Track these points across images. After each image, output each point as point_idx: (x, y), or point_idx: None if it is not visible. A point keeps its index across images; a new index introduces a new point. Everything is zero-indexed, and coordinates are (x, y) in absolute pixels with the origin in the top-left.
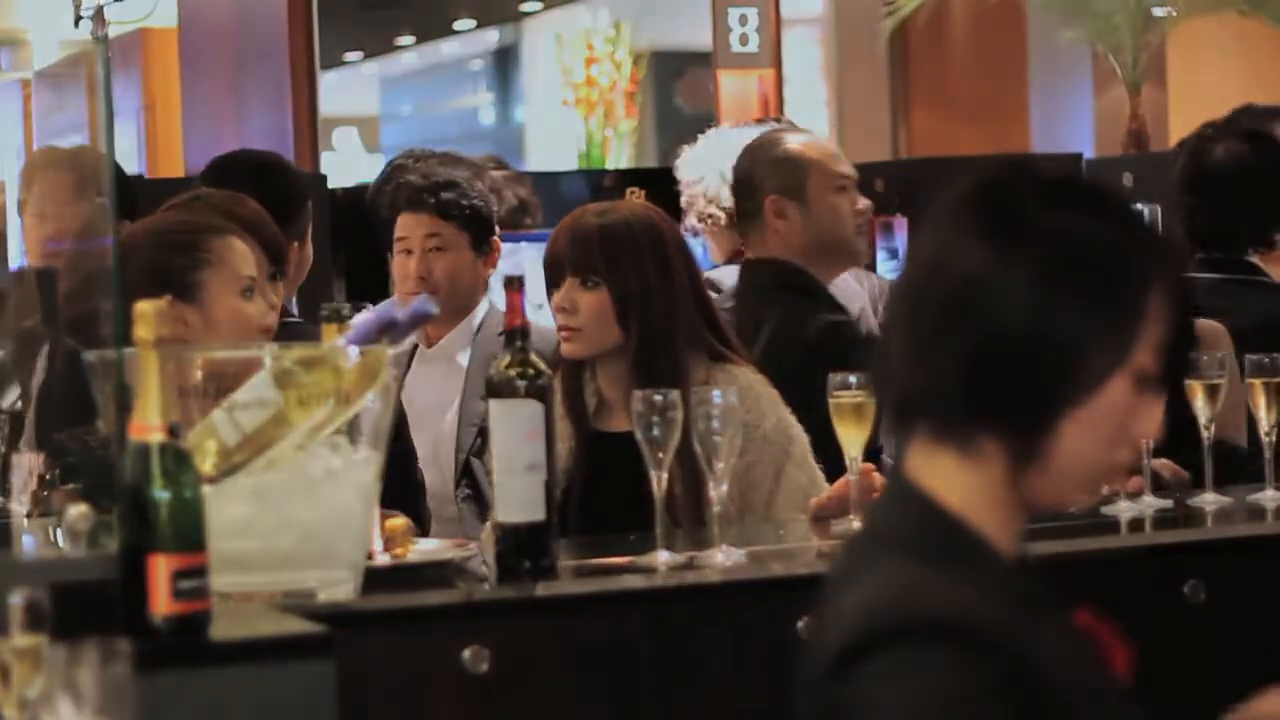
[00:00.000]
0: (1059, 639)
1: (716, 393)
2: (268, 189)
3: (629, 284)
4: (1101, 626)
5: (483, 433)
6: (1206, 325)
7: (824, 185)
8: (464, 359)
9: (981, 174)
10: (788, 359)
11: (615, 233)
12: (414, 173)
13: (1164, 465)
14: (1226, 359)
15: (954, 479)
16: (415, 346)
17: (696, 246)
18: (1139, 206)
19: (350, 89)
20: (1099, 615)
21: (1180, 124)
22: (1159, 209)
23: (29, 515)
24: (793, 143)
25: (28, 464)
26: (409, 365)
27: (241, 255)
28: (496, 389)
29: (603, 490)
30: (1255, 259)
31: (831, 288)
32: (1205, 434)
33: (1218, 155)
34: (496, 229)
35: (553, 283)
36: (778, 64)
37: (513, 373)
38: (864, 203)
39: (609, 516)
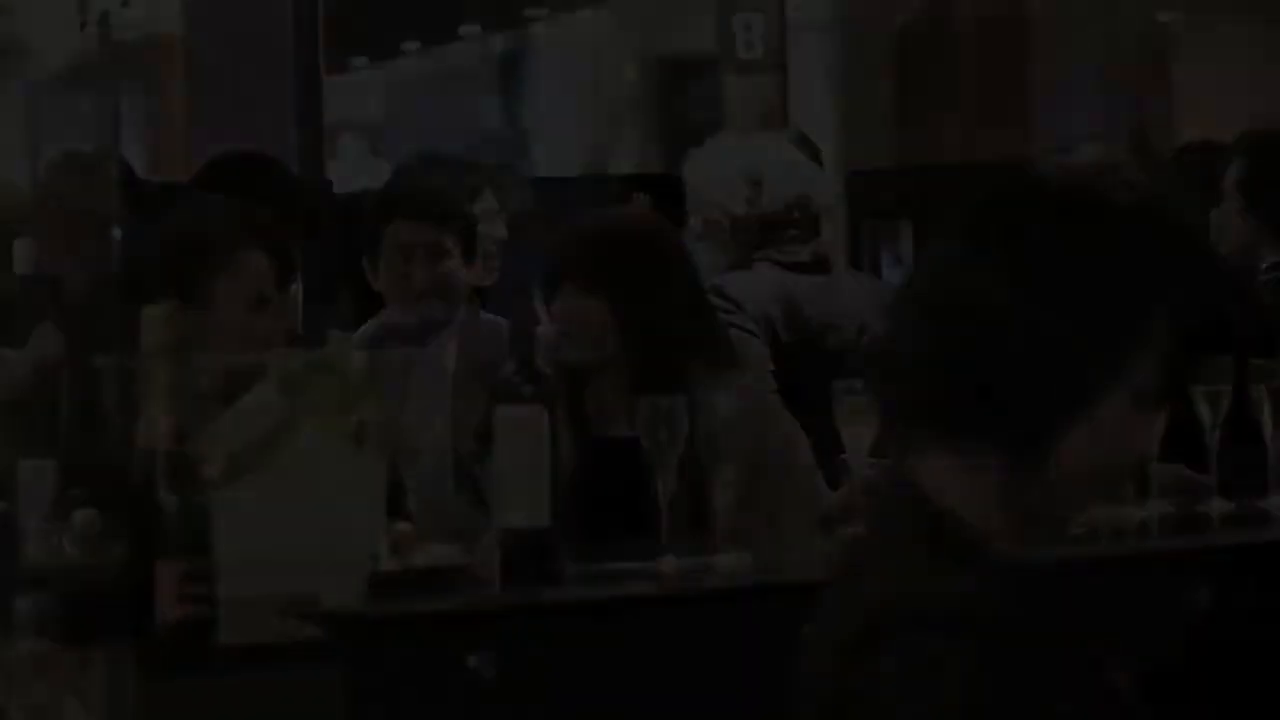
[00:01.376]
0: (1062, 635)
1: (720, 397)
2: (264, 188)
3: (627, 291)
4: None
5: (480, 437)
6: None
7: None
8: (449, 364)
9: (990, 188)
10: None
11: (613, 239)
12: (414, 178)
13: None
14: (1226, 364)
15: (953, 483)
16: None
17: (702, 253)
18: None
19: (355, 95)
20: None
21: (1185, 130)
22: None
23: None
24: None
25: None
26: None
27: (258, 270)
28: (500, 394)
29: (604, 496)
30: None
31: (832, 289)
32: (1209, 439)
33: None
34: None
35: (552, 289)
36: (784, 69)
37: (517, 378)
38: None
39: (611, 522)
